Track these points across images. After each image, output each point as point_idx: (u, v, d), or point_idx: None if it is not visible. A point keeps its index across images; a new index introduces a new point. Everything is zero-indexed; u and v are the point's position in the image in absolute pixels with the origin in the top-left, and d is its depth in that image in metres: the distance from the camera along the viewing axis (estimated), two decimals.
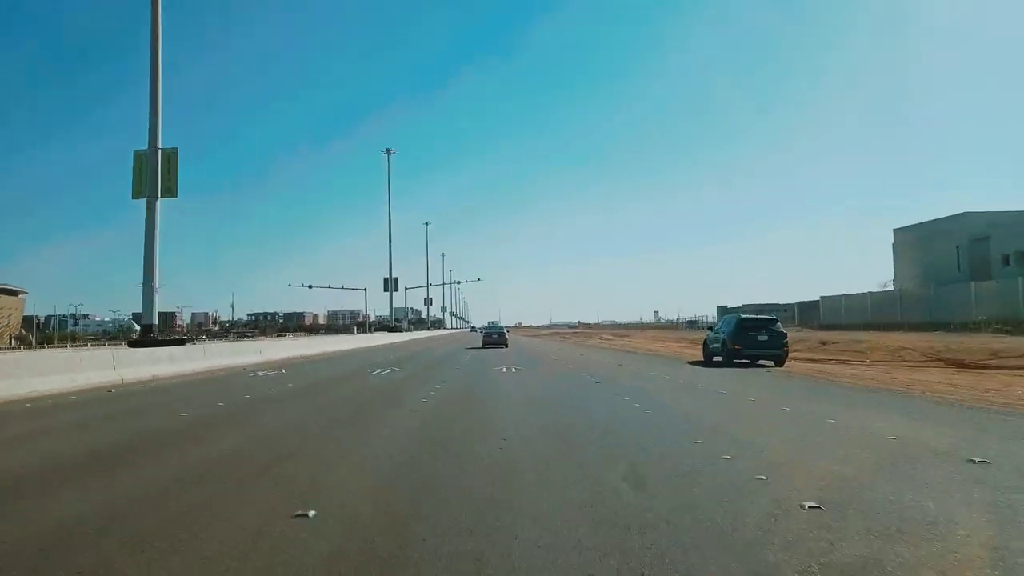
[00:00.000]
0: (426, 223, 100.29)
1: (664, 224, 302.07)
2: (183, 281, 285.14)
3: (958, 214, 54.92)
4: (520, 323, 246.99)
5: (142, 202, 23.28)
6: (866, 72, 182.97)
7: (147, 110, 23.29)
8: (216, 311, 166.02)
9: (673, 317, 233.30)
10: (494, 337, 35.53)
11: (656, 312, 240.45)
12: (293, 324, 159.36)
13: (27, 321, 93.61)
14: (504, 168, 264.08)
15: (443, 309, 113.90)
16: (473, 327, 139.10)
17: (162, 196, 23.28)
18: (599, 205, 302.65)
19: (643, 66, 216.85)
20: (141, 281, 23.35)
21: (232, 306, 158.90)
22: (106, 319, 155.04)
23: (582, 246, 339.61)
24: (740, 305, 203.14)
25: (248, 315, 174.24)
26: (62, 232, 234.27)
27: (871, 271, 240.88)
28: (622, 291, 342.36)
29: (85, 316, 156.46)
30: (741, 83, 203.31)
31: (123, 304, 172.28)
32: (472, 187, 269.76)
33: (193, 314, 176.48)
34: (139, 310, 26.40)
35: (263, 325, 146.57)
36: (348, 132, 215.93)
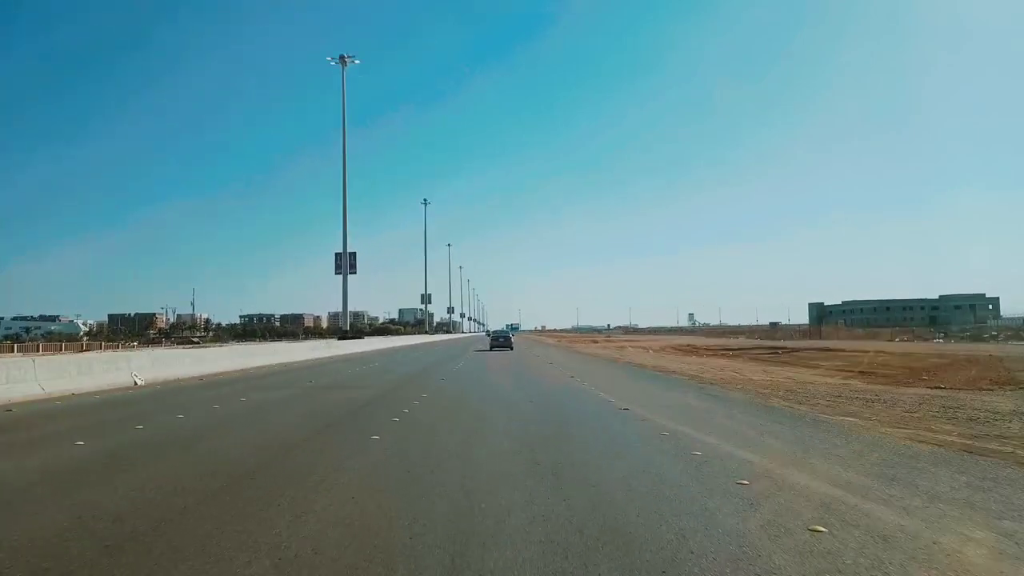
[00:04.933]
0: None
1: (688, 225, 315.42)
2: (190, 282, 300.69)
3: None
4: (543, 326, 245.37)
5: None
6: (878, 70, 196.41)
7: None
8: (190, 311, 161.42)
9: (711, 320, 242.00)
10: (500, 341, 43.87)
11: (691, 314, 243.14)
12: (290, 328, 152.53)
13: None
14: (514, 173, 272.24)
15: (450, 311, 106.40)
16: (488, 331, 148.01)
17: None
18: (618, 207, 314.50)
19: (651, 70, 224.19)
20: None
21: (193, 304, 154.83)
22: (80, 321, 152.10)
23: (605, 248, 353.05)
24: (840, 302, 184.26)
25: (240, 316, 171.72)
26: (66, 234, 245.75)
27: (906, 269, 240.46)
28: (650, 293, 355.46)
29: (55, 318, 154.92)
30: (748, 85, 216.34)
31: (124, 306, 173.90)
32: (484, 192, 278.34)
33: (179, 315, 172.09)
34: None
35: (226, 330, 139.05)
36: (354, 137, 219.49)
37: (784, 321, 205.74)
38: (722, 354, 36.86)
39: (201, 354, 21.46)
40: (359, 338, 45.89)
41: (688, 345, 48.06)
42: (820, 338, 59.26)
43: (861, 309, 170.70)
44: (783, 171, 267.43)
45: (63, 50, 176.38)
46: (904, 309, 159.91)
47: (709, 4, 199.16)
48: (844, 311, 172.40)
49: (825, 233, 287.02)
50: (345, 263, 48.98)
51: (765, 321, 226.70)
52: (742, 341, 57.94)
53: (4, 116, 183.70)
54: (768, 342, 51.37)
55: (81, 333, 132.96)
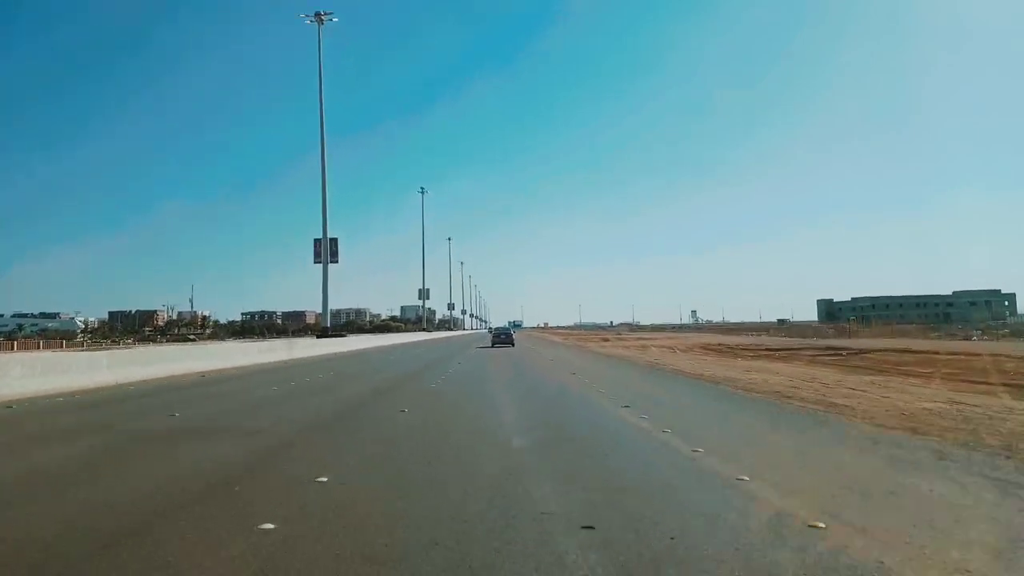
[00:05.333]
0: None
1: (688, 225, 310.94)
2: (189, 279, 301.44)
3: None
4: (546, 323, 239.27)
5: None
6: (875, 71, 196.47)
7: None
8: (186, 308, 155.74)
9: (713, 318, 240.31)
10: (502, 337, 43.94)
11: (694, 311, 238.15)
12: (291, 325, 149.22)
13: None
14: (515, 174, 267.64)
15: (450, 307, 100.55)
16: (490, 328, 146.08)
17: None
18: (619, 207, 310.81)
19: (651, 71, 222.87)
20: None
21: (191, 301, 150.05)
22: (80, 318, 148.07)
23: (606, 247, 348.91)
24: (849, 299, 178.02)
25: (242, 314, 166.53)
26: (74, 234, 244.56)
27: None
28: (651, 291, 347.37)
29: (55, 315, 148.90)
30: (748, 86, 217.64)
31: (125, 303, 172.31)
32: (486, 193, 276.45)
33: (180, 313, 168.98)
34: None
35: (224, 327, 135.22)
36: (356, 140, 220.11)
37: (790, 318, 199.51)
38: (767, 355, 29.53)
39: (51, 361, 14.02)
40: (341, 336, 38.50)
41: (719, 344, 40.41)
42: (861, 336, 51.80)
43: (872, 305, 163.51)
44: (783, 171, 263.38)
45: (63, 50, 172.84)
46: (917, 306, 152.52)
47: (709, 5, 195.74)
48: (854, 308, 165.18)
49: (825, 233, 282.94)
50: (325, 249, 41.69)
51: (768, 319, 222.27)
52: (774, 339, 50.47)
53: (4, 116, 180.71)
54: (812, 341, 43.94)
55: (78, 330, 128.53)
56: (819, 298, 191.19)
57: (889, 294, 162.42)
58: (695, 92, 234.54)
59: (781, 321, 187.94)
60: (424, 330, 74.56)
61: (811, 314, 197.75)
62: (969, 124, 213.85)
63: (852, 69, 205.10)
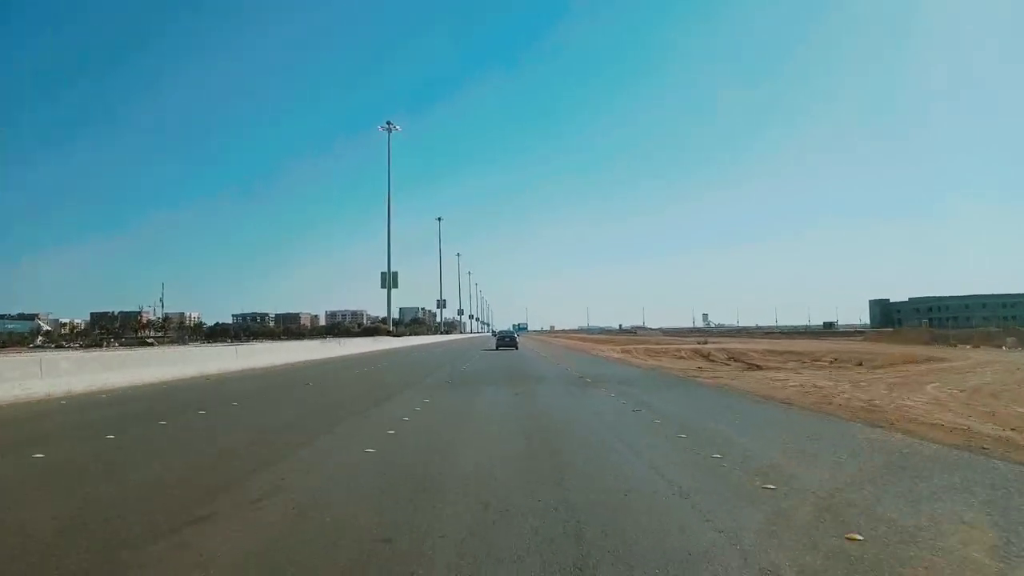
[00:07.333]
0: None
1: (689, 226, 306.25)
2: (188, 280, 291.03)
3: None
4: (552, 326, 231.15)
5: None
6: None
7: None
8: (181, 310, 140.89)
9: (724, 321, 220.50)
10: (506, 340, 44.31)
11: (705, 315, 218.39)
12: (279, 328, 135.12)
13: None
14: (517, 175, 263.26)
15: (440, 304, 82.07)
16: (494, 331, 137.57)
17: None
18: (623, 208, 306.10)
19: (653, 73, 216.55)
20: None
21: (162, 301, 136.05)
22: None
23: (610, 248, 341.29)
24: (907, 299, 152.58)
25: (233, 316, 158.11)
26: (77, 235, 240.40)
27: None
28: (658, 293, 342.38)
29: (34, 316, 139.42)
30: (750, 89, 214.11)
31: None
32: (488, 194, 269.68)
33: (166, 314, 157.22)
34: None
35: (192, 329, 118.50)
36: (356, 137, 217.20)
37: (842, 321, 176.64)
38: None
39: None
40: None
41: None
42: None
43: (947, 306, 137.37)
44: (795, 171, 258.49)
45: (63, 51, 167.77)
46: (1004, 306, 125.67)
47: (712, 6, 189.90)
48: (915, 309, 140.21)
49: (836, 233, 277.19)
50: None
51: (785, 322, 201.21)
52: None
53: (5, 117, 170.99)
54: None
55: (32, 331, 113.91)
56: (871, 298, 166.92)
57: (952, 294, 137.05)
58: (696, 96, 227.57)
59: (827, 325, 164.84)
60: (390, 334, 51.22)
61: (829, 315, 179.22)
62: (972, 128, 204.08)
63: (853, 71, 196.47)
